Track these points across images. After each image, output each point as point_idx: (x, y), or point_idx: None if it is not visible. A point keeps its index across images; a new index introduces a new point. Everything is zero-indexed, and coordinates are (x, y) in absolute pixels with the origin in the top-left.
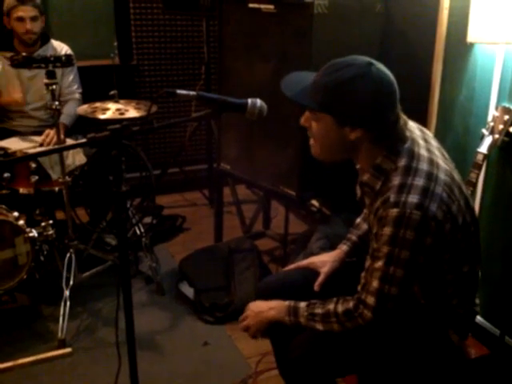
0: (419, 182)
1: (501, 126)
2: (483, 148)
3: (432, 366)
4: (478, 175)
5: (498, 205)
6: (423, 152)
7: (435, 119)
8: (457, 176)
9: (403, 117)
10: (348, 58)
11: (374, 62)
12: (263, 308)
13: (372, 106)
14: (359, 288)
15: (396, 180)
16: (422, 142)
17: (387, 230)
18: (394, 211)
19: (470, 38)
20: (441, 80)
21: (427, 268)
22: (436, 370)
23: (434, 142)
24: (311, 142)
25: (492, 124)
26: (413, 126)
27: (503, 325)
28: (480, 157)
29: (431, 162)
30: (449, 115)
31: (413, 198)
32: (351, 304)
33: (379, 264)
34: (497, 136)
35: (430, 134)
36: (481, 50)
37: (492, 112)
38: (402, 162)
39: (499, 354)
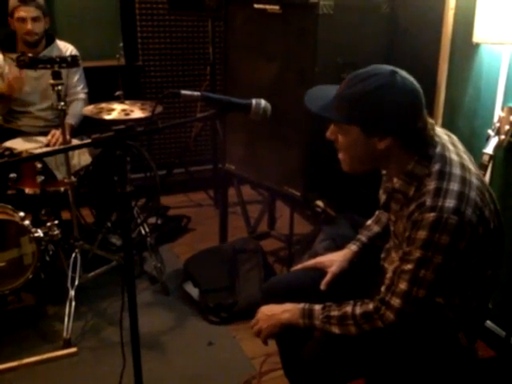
0: (454, 186)
1: (507, 127)
2: (489, 149)
3: (442, 370)
4: (483, 176)
5: (503, 206)
6: (454, 157)
7: (441, 120)
8: (485, 180)
9: (430, 121)
10: (370, 67)
11: (397, 70)
12: (276, 311)
13: (399, 115)
14: (383, 289)
15: (431, 185)
16: (451, 147)
17: (422, 234)
18: (431, 215)
19: (475, 39)
20: (446, 80)
21: (455, 272)
22: (446, 375)
23: (460, 146)
24: (340, 156)
25: (498, 125)
26: (439, 131)
27: (509, 327)
28: (486, 158)
29: (463, 167)
30: (454, 116)
31: (450, 203)
32: (371, 306)
33: (409, 267)
34: (503, 137)
35: (455, 138)
36: (487, 50)
37: (498, 113)
38: (436, 167)
39: (505, 355)
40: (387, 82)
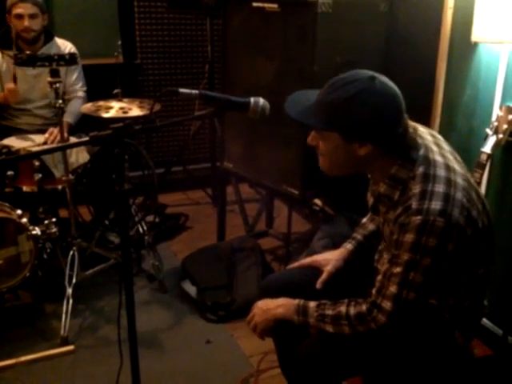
0: (439, 188)
1: (505, 126)
2: (487, 148)
3: (438, 369)
4: (481, 175)
5: (501, 205)
6: (438, 158)
7: (439, 118)
8: (472, 180)
9: (412, 124)
10: (350, 73)
11: (376, 75)
12: (271, 306)
13: (378, 121)
14: (374, 291)
15: (416, 188)
16: (435, 148)
17: (409, 237)
18: (418, 218)
19: (474, 38)
20: (445, 79)
21: (445, 273)
22: (442, 373)
23: (445, 146)
24: (320, 161)
25: (496, 124)
26: (423, 132)
27: (506, 325)
28: (484, 156)
29: (448, 168)
30: (453, 115)
31: (436, 205)
32: (364, 307)
33: (398, 270)
34: (501, 136)
35: (441, 138)
36: (485, 49)
37: (496, 112)
38: (419, 170)
39: (502, 354)
40: (366, 88)
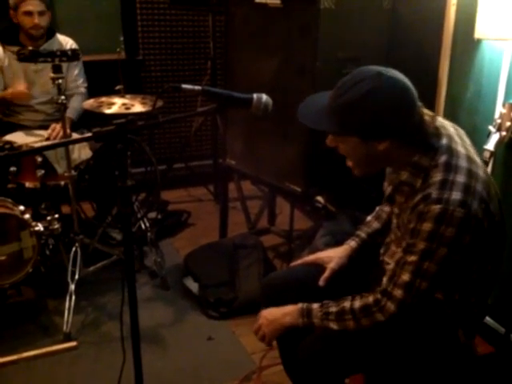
0: (461, 178)
1: (508, 123)
2: (490, 145)
3: (440, 366)
4: None
5: (504, 202)
6: (460, 149)
7: (442, 115)
8: (489, 174)
9: (429, 113)
10: (357, 71)
11: (382, 70)
12: (277, 315)
13: (392, 117)
14: (385, 280)
15: (437, 176)
16: (458, 139)
17: (427, 226)
18: (437, 207)
19: (477, 34)
20: (448, 76)
21: (458, 265)
22: (444, 371)
23: (467, 140)
24: (348, 163)
25: (499, 121)
26: (446, 124)
27: (509, 323)
28: (487, 154)
29: (470, 159)
30: (456, 112)
31: (456, 196)
32: (371, 299)
33: (413, 258)
34: (504, 133)
35: (462, 132)
36: (488, 46)
37: (499, 109)
38: (442, 159)
39: (504, 351)
40: (374, 87)
